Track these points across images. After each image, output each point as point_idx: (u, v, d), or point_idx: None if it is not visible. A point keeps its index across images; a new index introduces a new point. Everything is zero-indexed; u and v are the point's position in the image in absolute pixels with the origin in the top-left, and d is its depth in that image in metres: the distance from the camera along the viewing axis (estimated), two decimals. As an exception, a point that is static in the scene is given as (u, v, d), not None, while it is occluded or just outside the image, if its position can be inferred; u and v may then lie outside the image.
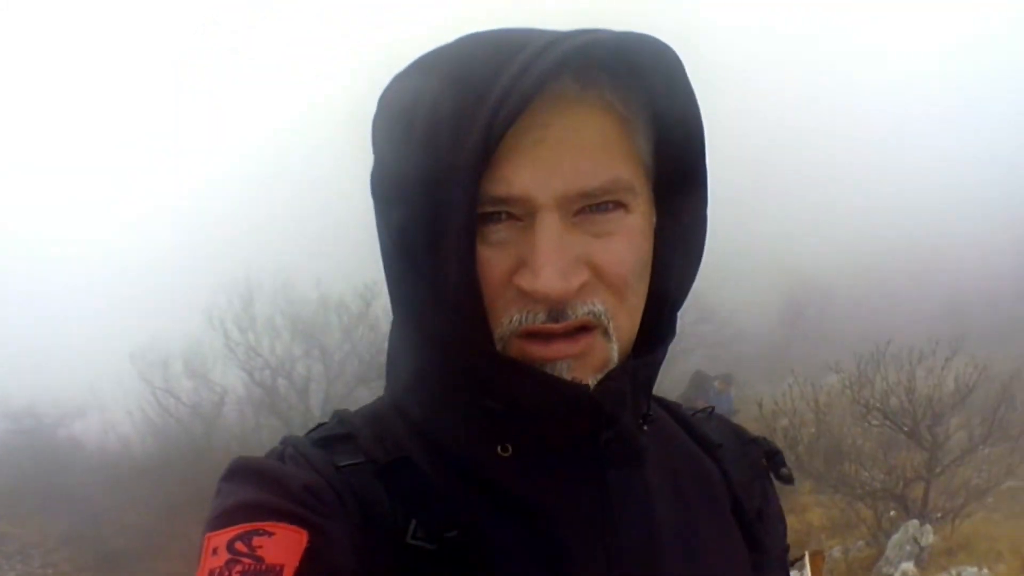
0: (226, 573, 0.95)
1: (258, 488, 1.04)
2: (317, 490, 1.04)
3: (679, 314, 1.17)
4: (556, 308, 0.98)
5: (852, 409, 12.67)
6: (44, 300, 34.62)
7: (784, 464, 1.34)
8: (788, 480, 1.33)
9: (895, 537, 10.67)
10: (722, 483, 1.26)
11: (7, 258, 38.19)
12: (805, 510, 13.16)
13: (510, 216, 0.99)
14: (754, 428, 1.52)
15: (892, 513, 11.87)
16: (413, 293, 1.05)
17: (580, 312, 0.99)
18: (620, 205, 1.01)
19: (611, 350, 1.03)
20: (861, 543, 11.60)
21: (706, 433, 1.32)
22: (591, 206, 1.00)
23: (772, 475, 1.34)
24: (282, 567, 0.95)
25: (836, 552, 11.52)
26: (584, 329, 1.01)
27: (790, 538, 1.40)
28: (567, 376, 1.01)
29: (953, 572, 9.08)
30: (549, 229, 0.97)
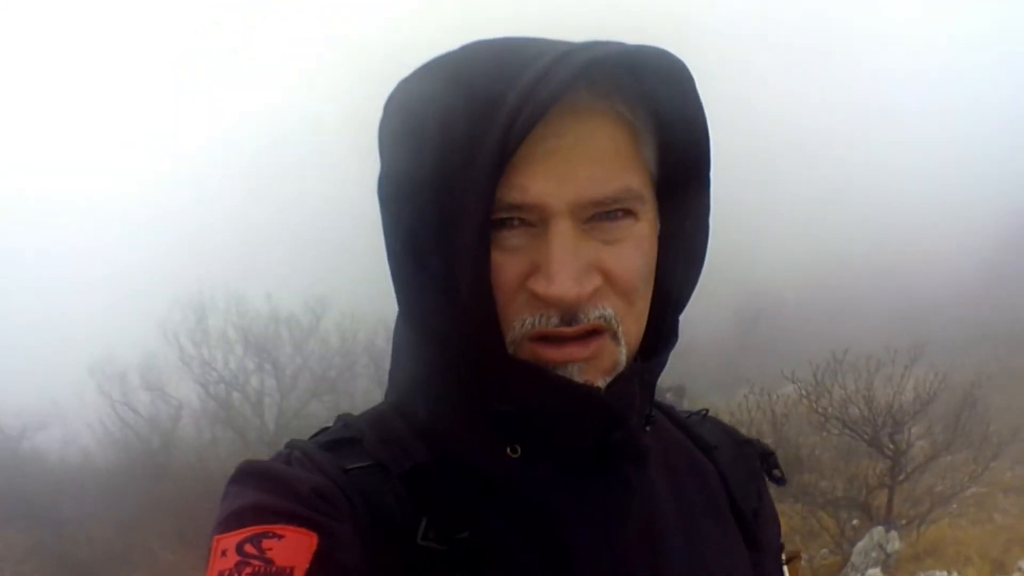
0: (235, 575, 0.96)
1: (267, 491, 1.04)
2: (326, 493, 1.04)
3: None
4: (569, 312, 1.00)
5: (810, 418, 12.75)
6: (4, 312, 34.59)
7: (777, 465, 1.38)
8: (781, 481, 1.37)
9: (860, 544, 10.77)
10: (719, 483, 1.30)
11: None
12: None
13: (523, 222, 1.01)
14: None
15: (855, 521, 11.93)
16: (422, 296, 1.06)
17: (592, 316, 1.02)
18: (629, 213, 1.04)
19: (620, 353, 1.06)
20: (825, 551, 11.70)
21: (701, 435, 1.35)
22: (601, 214, 1.02)
23: (766, 476, 1.38)
24: (292, 569, 0.96)
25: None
26: (595, 333, 1.03)
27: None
28: (578, 379, 1.03)
29: None
30: (563, 236, 0.99)
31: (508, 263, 1.01)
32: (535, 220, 1.01)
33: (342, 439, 1.15)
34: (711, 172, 1.12)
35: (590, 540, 1.10)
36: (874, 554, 10.41)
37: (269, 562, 0.96)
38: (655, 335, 1.12)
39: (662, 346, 1.14)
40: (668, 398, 14.25)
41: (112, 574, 17.09)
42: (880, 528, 10.92)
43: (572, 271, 0.99)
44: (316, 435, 1.20)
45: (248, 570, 0.96)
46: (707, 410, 1.44)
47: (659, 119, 1.07)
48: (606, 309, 1.02)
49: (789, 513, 12.60)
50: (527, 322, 1.01)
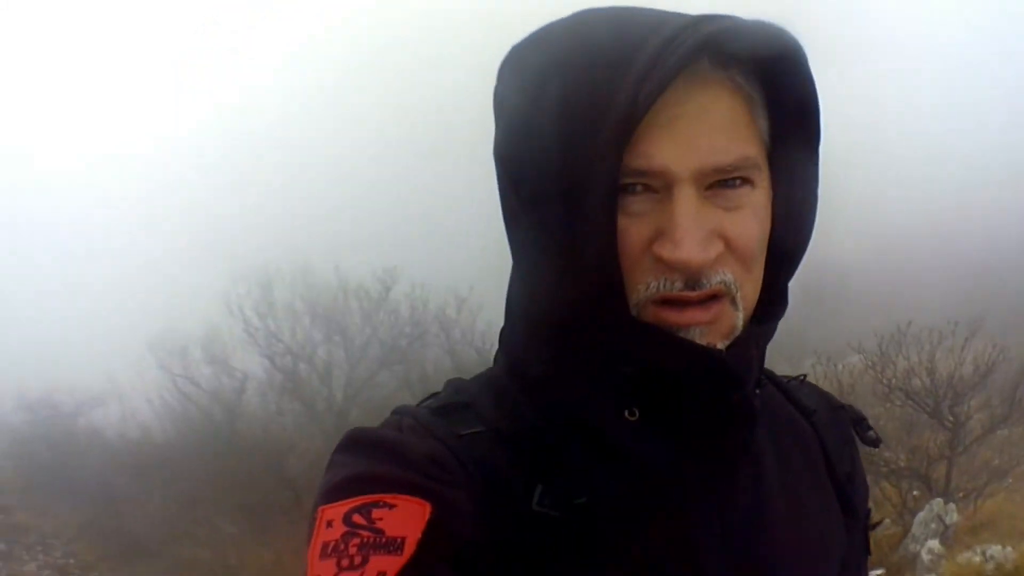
0: (342, 547, 0.95)
1: (377, 459, 1.04)
2: (440, 459, 1.04)
3: None
4: (693, 277, 1.01)
5: (875, 389, 12.62)
6: (60, 290, 34.64)
7: (871, 428, 1.39)
8: (876, 442, 1.38)
9: (920, 515, 10.65)
10: (818, 447, 1.31)
11: (25, 249, 38.12)
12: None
13: (646, 188, 1.02)
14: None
15: (915, 492, 11.86)
16: (544, 257, 1.06)
17: (714, 281, 1.02)
18: (747, 181, 1.04)
19: (737, 318, 1.06)
20: (887, 521, 11.43)
21: (800, 399, 1.35)
22: (721, 181, 1.03)
23: (858, 439, 1.38)
24: (404, 539, 0.95)
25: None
26: (715, 297, 1.04)
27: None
28: (701, 341, 1.04)
29: (978, 550, 9.06)
30: (688, 202, 1.00)
31: (633, 228, 1.01)
32: (658, 186, 1.01)
33: (453, 404, 1.15)
34: (820, 144, 1.13)
35: (704, 503, 1.10)
36: (933, 525, 10.27)
37: (379, 532, 0.95)
38: (766, 301, 1.12)
39: (774, 312, 1.15)
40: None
41: (174, 550, 16.95)
42: (939, 500, 10.79)
43: (697, 237, 1.00)
44: (425, 401, 1.19)
45: (356, 541, 0.94)
46: (805, 375, 1.44)
47: (773, 91, 1.08)
48: (726, 274, 1.03)
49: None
50: (651, 286, 1.02)
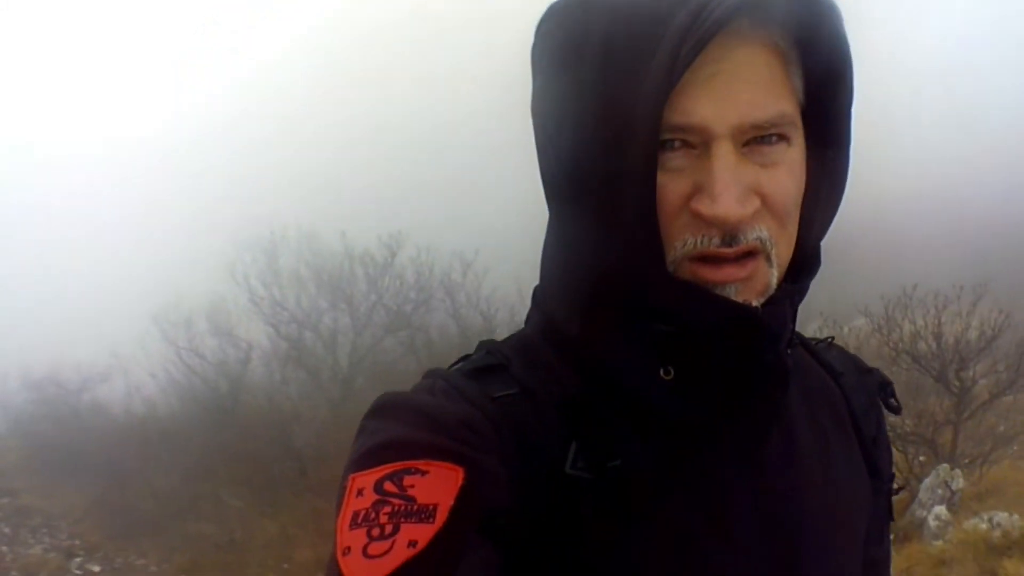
0: (372, 515, 0.94)
1: (410, 424, 1.03)
2: (473, 423, 1.03)
3: None
4: (730, 233, 1.02)
5: (881, 352, 12.58)
6: (60, 267, 34.55)
7: (894, 395, 1.40)
8: (897, 410, 1.39)
9: (927, 481, 10.67)
10: (846, 409, 1.31)
11: (25, 226, 38.09)
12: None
13: (684, 144, 1.02)
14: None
15: (922, 458, 11.88)
16: (582, 213, 1.07)
17: (750, 237, 1.03)
18: (783, 138, 1.05)
19: (772, 276, 1.07)
20: (905, 488, 11.58)
21: (829, 361, 1.36)
22: (759, 138, 1.03)
23: (883, 404, 1.39)
24: (436, 507, 0.94)
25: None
26: (751, 254, 1.04)
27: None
28: (736, 298, 1.04)
29: (985, 517, 9.05)
30: (726, 158, 1.00)
31: (672, 183, 1.01)
32: (696, 142, 1.01)
33: (487, 366, 1.14)
34: (853, 104, 1.13)
35: (737, 466, 1.11)
36: (940, 491, 10.31)
37: (411, 500, 0.94)
38: (799, 260, 1.13)
39: (807, 271, 1.15)
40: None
41: (179, 525, 16.95)
42: (945, 465, 10.82)
43: (735, 192, 1.00)
44: (456, 363, 1.19)
45: (387, 509, 0.93)
46: (832, 337, 1.45)
47: (808, 50, 1.07)
48: (763, 231, 1.04)
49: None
50: (688, 242, 1.02)
